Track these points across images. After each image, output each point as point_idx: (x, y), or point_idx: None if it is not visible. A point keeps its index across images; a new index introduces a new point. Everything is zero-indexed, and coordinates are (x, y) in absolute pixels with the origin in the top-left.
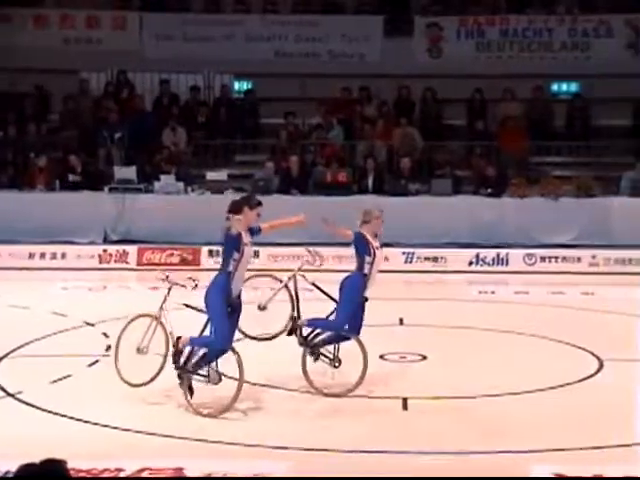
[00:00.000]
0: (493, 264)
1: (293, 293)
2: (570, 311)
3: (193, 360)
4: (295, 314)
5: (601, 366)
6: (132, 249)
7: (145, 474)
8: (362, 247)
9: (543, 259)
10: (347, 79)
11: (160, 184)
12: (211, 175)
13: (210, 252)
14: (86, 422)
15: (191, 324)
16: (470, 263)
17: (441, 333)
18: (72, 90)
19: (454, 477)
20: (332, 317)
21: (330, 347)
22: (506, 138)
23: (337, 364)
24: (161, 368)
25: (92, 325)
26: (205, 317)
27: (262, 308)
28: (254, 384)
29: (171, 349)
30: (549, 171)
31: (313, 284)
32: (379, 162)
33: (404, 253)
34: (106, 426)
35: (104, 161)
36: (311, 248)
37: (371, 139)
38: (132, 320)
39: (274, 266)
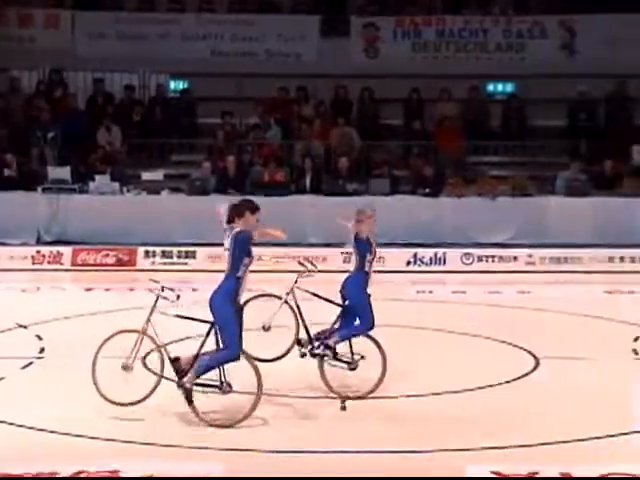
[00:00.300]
0: (431, 264)
1: (295, 307)
2: (507, 310)
3: (198, 370)
4: (301, 327)
5: (537, 364)
6: (66, 250)
7: (83, 475)
8: (363, 246)
9: (480, 258)
10: (284, 79)
11: (95, 184)
12: (147, 175)
13: (146, 253)
14: (20, 426)
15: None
16: (408, 263)
17: (379, 333)
18: (2, 88)
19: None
20: (354, 322)
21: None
22: (443, 138)
23: (228, 389)
24: (156, 385)
25: (25, 327)
26: (199, 325)
27: (266, 329)
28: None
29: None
30: (486, 171)
31: (313, 294)
32: (317, 162)
33: (342, 253)
34: (41, 430)
35: (37, 161)
36: (302, 259)
37: (308, 139)
38: (111, 337)
39: (214, 267)
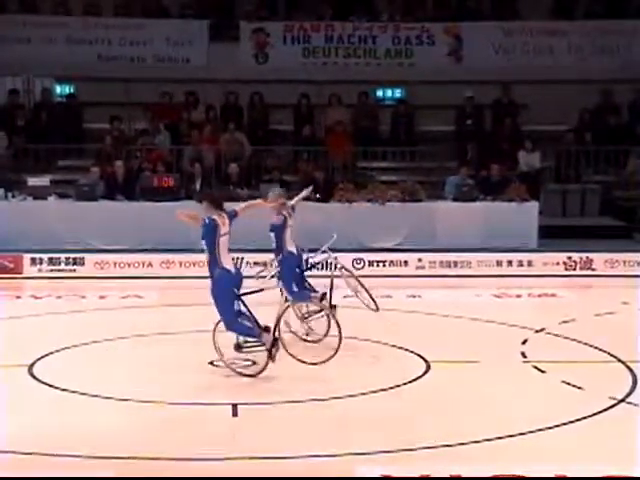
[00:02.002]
0: (321, 269)
1: None
2: (398, 314)
3: None
4: None
5: (428, 368)
6: None
7: None
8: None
9: (371, 263)
10: (173, 84)
11: None
12: (33, 181)
13: (33, 260)
14: None
15: None
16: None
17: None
18: None
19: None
20: None
21: None
22: (333, 143)
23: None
24: None
25: None
26: None
27: None
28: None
29: None
30: (375, 176)
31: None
32: (206, 167)
33: (233, 259)
34: None
35: None
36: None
37: (198, 144)
38: None
39: (102, 274)
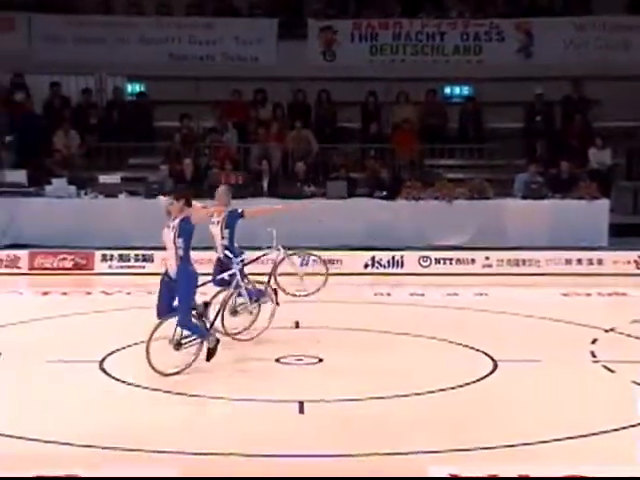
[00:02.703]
0: (388, 266)
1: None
2: (465, 312)
3: None
4: None
5: (495, 367)
6: (23, 254)
7: None
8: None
9: (438, 261)
10: (242, 82)
11: (52, 188)
12: (104, 178)
13: (104, 256)
14: None
15: None
16: (366, 265)
17: (337, 335)
18: None
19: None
20: None
21: None
22: (400, 141)
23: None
24: None
25: None
26: None
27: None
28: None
29: None
30: (443, 174)
31: None
32: (274, 165)
33: (300, 256)
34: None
35: None
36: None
37: (266, 142)
38: None
39: None
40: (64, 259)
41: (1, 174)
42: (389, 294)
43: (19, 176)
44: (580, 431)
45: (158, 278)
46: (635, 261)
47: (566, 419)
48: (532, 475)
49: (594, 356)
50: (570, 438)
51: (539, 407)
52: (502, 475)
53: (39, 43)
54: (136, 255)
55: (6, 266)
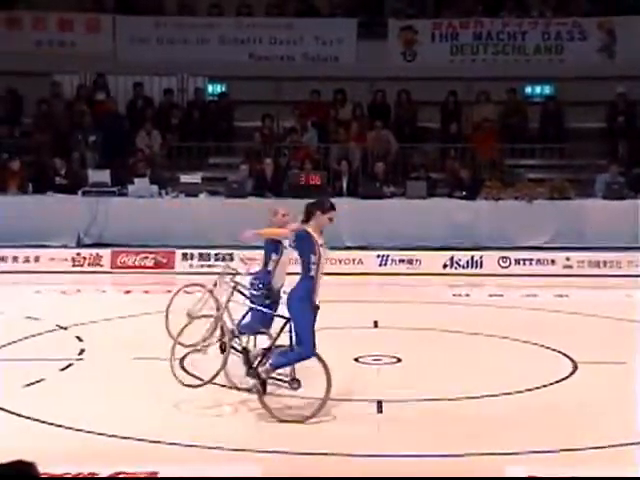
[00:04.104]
0: (467, 267)
1: (220, 299)
2: (544, 313)
3: (276, 363)
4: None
5: (575, 368)
6: (106, 252)
7: (122, 476)
8: (307, 246)
9: (517, 262)
10: (321, 82)
11: (134, 187)
12: (185, 178)
13: (184, 255)
14: (59, 426)
15: None
16: (445, 266)
17: (416, 336)
18: (44, 93)
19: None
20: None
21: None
22: (480, 141)
23: (296, 386)
24: (222, 369)
25: (65, 329)
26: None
27: (192, 317)
28: (230, 387)
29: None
30: (523, 174)
31: (234, 288)
32: (353, 165)
33: (379, 256)
34: (80, 430)
35: (78, 164)
36: (243, 255)
37: (345, 142)
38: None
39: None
40: (145, 258)
41: (85, 174)
42: (468, 295)
43: (102, 176)
44: None
45: (238, 277)
46: None
47: None
48: (612, 476)
49: None
50: None
51: (620, 409)
52: (581, 476)
53: (123, 44)
54: (216, 254)
55: (89, 264)
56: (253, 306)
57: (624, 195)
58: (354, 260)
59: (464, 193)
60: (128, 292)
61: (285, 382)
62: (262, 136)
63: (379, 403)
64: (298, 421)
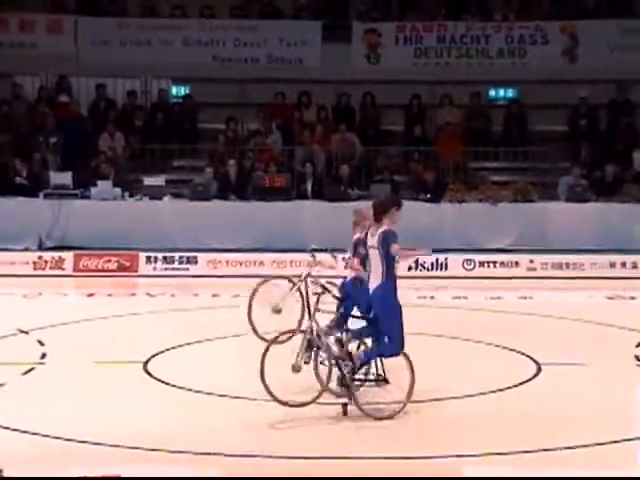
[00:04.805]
0: (432, 269)
1: (304, 295)
2: (508, 315)
3: (362, 361)
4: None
5: (539, 370)
6: (68, 255)
7: None
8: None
9: (482, 264)
10: (286, 84)
11: (97, 190)
12: (148, 180)
13: (148, 258)
14: (23, 432)
15: None
16: (409, 268)
17: None
18: (5, 94)
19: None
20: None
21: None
22: (444, 144)
23: (384, 383)
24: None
25: (26, 333)
26: None
27: (277, 311)
28: (207, 393)
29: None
30: (487, 176)
31: (322, 286)
32: (318, 167)
33: (343, 259)
34: (44, 436)
35: (39, 166)
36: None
37: (310, 144)
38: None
39: (214, 272)
40: (109, 261)
41: (46, 176)
42: (432, 297)
43: (64, 178)
44: (622, 435)
45: (203, 280)
46: None
47: (608, 422)
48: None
49: (638, 359)
50: (615, 442)
51: (582, 410)
52: (542, 476)
53: (85, 46)
54: (180, 257)
55: (51, 268)
56: (357, 314)
57: (587, 197)
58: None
59: (428, 196)
60: (91, 295)
61: (372, 380)
62: (226, 138)
63: (344, 406)
64: (388, 417)
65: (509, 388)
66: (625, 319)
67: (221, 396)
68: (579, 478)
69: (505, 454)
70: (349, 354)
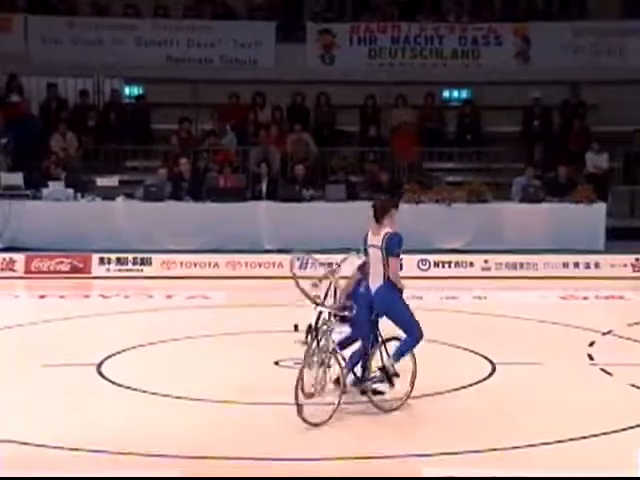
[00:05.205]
0: None
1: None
2: (463, 315)
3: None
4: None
5: (494, 370)
6: (19, 257)
7: None
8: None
9: (436, 264)
10: (240, 85)
11: (49, 190)
12: (101, 181)
13: (101, 259)
14: None
15: None
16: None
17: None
18: None
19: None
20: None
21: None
22: (399, 144)
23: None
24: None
25: None
26: None
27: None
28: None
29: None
30: (441, 177)
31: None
32: (273, 168)
33: (299, 259)
34: None
35: None
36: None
37: (265, 145)
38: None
39: (168, 274)
40: (61, 262)
41: None
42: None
43: (15, 179)
44: (576, 434)
45: (156, 282)
46: (632, 264)
47: (563, 422)
48: (526, 476)
49: (592, 359)
50: (565, 441)
51: (536, 410)
52: (497, 476)
53: (35, 44)
54: (134, 258)
55: (2, 269)
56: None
57: (540, 198)
58: (274, 264)
59: (383, 196)
60: (43, 297)
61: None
62: (180, 139)
63: (299, 406)
64: (395, 409)
65: (464, 388)
66: (578, 318)
67: (177, 398)
68: (580, 478)
69: (456, 454)
70: (384, 370)
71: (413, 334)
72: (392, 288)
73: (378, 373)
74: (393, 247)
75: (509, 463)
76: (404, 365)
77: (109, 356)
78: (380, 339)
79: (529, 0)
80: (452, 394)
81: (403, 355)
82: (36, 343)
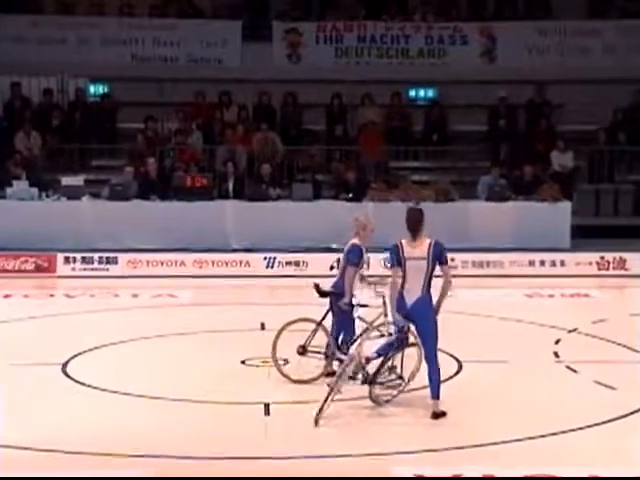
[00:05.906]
0: None
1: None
2: None
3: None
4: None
5: (460, 368)
6: None
7: None
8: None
9: None
10: (206, 84)
11: (12, 190)
12: (66, 180)
13: (66, 259)
14: None
15: None
16: (332, 267)
17: (303, 337)
18: None
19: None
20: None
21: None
22: (365, 143)
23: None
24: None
25: None
26: None
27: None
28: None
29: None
30: (408, 176)
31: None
32: (239, 167)
33: (265, 258)
34: None
35: None
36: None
37: (231, 144)
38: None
39: (135, 273)
40: (26, 261)
41: None
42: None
43: None
44: (543, 431)
45: (122, 281)
46: (597, 262)
47: (530, 419)
48: (496, 475)
49: (557, 356)
50: (533, 438)
51: (502, 407)
52: (466, 475)
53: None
54: (100, 257)
55: None
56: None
57: (506, 197)
58: (241, 262)
59: (350, 195)
60: (7, 296)
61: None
62: (146, 138)
63: (266, 406)
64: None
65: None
66: (544, 316)
67: (139, 396)
68: (581, 478)
69: (414, 452)
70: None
71: (434, 365)
72: (430, 302)
73: (394, 377)
74: (443, 254)
75: (476, 461)
76: (406, 364)
77: (74, 355)
78: (404, 345)
79: (495, 0)
80: (419, 392)
81: (439, 385)
82: (1, 342)
